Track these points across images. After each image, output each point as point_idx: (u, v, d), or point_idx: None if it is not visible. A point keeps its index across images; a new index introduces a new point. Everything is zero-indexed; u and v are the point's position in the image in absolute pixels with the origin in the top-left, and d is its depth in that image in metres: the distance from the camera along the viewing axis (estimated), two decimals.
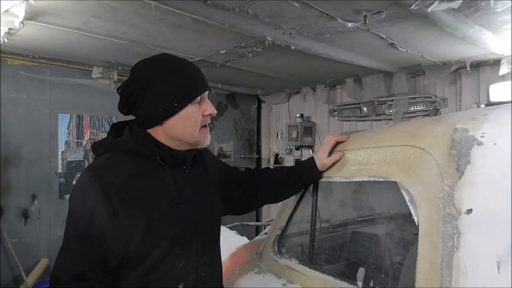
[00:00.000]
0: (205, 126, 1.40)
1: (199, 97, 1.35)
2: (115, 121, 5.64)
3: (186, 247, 1.34)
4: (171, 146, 1.37)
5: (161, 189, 1.32)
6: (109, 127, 1.48)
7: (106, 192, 1.22)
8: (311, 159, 1.75)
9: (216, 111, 1.41)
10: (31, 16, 2.92)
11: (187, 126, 1.35)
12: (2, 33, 3.25)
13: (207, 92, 1.40)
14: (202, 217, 1.42)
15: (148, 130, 1.37)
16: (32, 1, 2.56)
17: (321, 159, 1.71)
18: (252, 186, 1.73)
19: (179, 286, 1.33)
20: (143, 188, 1.29)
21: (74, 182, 4.74)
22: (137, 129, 1.39)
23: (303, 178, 1.76)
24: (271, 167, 2.12)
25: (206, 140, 1.42)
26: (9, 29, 3.17)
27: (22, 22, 2.98)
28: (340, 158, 1.67)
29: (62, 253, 1.25)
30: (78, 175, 4.76)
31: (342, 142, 1.74)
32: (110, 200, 1.22)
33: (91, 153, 4.96)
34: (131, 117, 1.45)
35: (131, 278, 1.27)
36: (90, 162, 1.37)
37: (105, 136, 1.46)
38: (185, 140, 1.38)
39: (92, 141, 4.84)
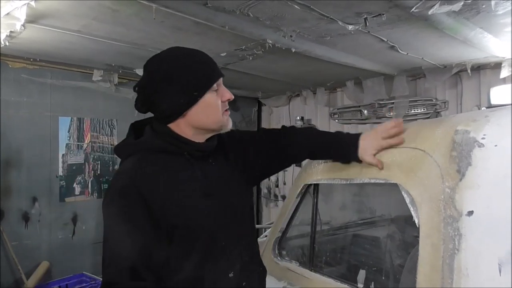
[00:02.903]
0: (226, 110, 1.42)
1: (215, 84, 1.37)
2: (116, 124, 5.59)
3: (228, 235, 1.37)
4: (196, 137, 1.38)
5: (193, 183, 1.34)
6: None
7: (141, 194, 1.23)
8: (356, 140, 1.53)
9: (233, 96, 1.43)
10: (32, 18, 2.92)
11: (209, 113, 1.36)
12: (4, 36, 3.26)
13: (222, 78, 1.42)
14: (234, 204, 1.44)
15: (169, 125, 1.37)
16: (33, 4, 2.57)
17: (367, 151, 1.49)
18: (287, 139, 1.64)
19: (230, 275, 1.35)
20: (176, 186, 1.30)
21: (74, 185, 4.74)
22: (159, 126, 1.39)
23: (335, 151, 1.62)
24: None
25: (229, 124, 1.45)
26: (11, 32, 3.17)
27: (23, 25, 2.98)
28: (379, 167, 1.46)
29: (108, 259, 1.25)
30: (78, 177, 4.77)
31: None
32: (145, 202, 1.23)
33: (91, 155, 4.98)
34: (142, 116, 1.45)
35: (181, 276, 1.28)
36: (117, 167, 1.39)
37: (124, 138, 1.44)
38: (210, 127, 1.40)
39: (98, 144, 4.84)
